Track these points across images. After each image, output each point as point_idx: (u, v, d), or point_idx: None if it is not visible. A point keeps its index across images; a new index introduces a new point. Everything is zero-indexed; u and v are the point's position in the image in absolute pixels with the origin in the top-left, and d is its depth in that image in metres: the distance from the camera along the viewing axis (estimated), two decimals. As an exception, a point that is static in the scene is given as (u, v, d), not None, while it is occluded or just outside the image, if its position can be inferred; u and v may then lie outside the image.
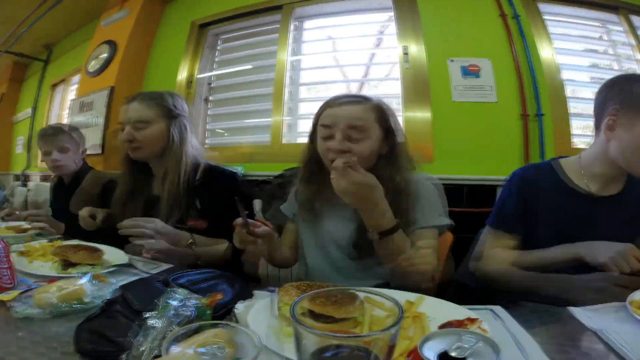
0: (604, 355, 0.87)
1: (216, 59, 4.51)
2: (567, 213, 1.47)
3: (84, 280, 1.13)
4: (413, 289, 1.17)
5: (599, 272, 1.19)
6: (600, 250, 1.22)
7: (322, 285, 1.13)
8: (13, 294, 1.13)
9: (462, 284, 1.78)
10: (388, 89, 3.54)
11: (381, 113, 1.50)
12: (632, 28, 3.29)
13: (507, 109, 2.98)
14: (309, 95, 4.05)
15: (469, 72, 3.05)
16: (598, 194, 1.45)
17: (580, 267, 1.27)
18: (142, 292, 0.99)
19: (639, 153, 1.33)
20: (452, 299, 1.08)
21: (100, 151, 4.46)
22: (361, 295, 0.72)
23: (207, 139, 4.42)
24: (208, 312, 0.90)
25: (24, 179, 6.54)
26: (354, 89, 3.73)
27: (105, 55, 4.81)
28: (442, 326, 0.91)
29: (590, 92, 3.22)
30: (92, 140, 4.51)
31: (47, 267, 1.47)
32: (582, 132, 3.10)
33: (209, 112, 4.44)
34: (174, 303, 0.88)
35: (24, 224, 2.17)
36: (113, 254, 1.64)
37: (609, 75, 1.53)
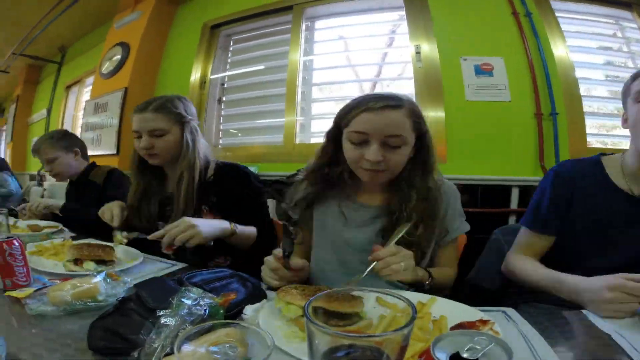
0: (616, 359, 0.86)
1: (229, 60, 4.53)
2: (608, 210, 1.44)
3: (98, 279, 1.14)
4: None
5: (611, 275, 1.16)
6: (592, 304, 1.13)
7: (323, 287, 1.14)
8: (28, 291, 1.15)
9: (474, 285, 1.77)
10: (401, 88, 3.52)
11: (416, 117, 1.40)
12: (646, 24, 3.24)
13: (521, 108, 2.95)
14: (321, 95, 4.04)
15: (482, 70, 3.03)
16: (638, 194, 1.42)
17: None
18: (156, 291, 0.99)
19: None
20: (465, 300, 1.07)
21: (115, 151, 4.51)
22: (374, 296, 0.72)
23: (220, 139, 4.44)
24: (221, 311, 0.91)
25: (40, 179, 6.63)
26: (366, 89, 3.72)
27: (118, 57, 4.86)
28: (454, 327, 0.91)
29: (605, 90, 3.19)
30: (107, 140, 4.58)
31: (61, 265, 1.49)
32: (598, 131, 3.07)
33: (222, 113, 4.46)
34: (188, 302, 0.88)
35: (41, 223, 2.23)
36: (128, 253, 1.66)
37: (623, 73, 1.52)
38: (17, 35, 6.04)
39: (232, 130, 4.43)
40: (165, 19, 4.88)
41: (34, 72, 7.90)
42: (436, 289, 1.32)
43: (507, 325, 0.99)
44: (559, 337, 0.95)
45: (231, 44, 4.54)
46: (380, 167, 1.37)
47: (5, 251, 1.19)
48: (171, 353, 0.75)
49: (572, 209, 1.49)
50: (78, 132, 5.39)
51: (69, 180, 2.87)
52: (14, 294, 1.14)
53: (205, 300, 0.90)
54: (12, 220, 2.23)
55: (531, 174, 2.85)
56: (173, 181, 1.92)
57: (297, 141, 3.77)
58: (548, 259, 1.51)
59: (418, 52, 3.23)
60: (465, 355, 0.59)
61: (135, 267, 1.51)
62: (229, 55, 4.54)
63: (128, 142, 4.36)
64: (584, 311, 1.09)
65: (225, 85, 4.46)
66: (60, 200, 2.52)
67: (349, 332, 0.64)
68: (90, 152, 3.01)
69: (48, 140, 2.70)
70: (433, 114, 3.05)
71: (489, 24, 3.16)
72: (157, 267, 1.56)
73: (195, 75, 4.41)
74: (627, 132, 1.43)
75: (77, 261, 1.47)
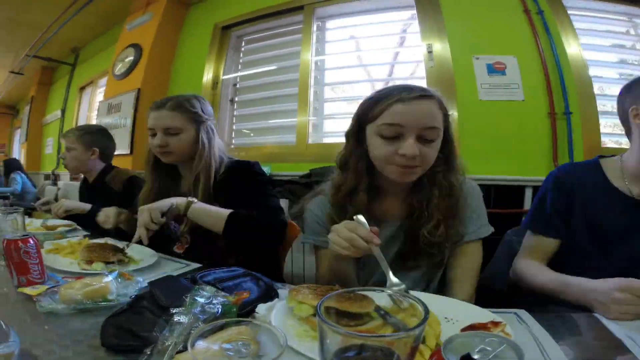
0: (630, 365, 0.85)
1: (240, 60, 4.55)
2: (608, 213, 1.42)
3: (110, 278, 1.15)
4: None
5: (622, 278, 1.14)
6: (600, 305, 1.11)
7: (334, 287, 1.11)
8: (40, 288, 1.16)
9: (486, 287, 1.75)
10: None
11: (445, 110, 1.32)
12: (660, 22, 3.20)
13: (535, 108, 2.93)
14: (334, 95, 4.05)
15: (495, 69, 3.01)
16: (638, 197, 1.40)
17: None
18: (169, 289, 1.00)
19: None
20: (476, 302, 1.07)
21: (128, 151, 4.56)
22: (387, 296, 0.72)
23: (233, 139, 4.46)
24: (234, 309, 0.91)
25: (54, 178, 6.71)
26: (378, 88, 3.69)
27: (131, 58, 4.91)
28: (465, 329, 0.90)
29: (619, 89, 3.15)
30: (120, 140, 4.60)
31: (77, 264, 1.50)
32: (612, 130, 3.03)
33: (234, 113, 4.48)
34: (201, 300, 0.89)
35: (57, 222, 2.27)
36: (143, 253, 1.67)
37: (637, 72, 1.49)
38: (31, 38, 6.13)
39: (244, 131, 4.45)
40: (176, 21, 4.93)
41: (48, 73, 8.01)
42: None
43: (519, 327, 0.98)
44: (570, 339, 0.94)
45: (242, 44, 4.57)
46: (415, 162, 1.27)
47: (21, 249, 1.21)
48: (183, 350, 0.75)
49: (573, 213, 1.47)
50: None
51: (82, 178, 2.89)
52: (26, 290, 1.16)
53: (218, 298, 0.91)
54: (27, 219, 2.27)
55: (545, 174, 2.78)
56: (188, 181, 1.91)
57: (310, 141, 3.78)
58: (552, 264, 1.49)
59: (430, 51, 3.22)
60: (476, 357, 0.58)
61: (149, 266, 1.51)
62: (241, 55, 4.57)
63: (141, 142, 4.41)
64: (595, 314, 1.08)
65: (238, 86, 4.49)
66: (86, 205, 2.50)
67: (360, 332, 0.64)
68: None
69: (75, 131, 2.73)
70: (446, 114, 3.03)
71: (501, 22, 3.14)
72: (171, 267, 1.56)
73: (207, 76, 4.45)
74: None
75: (90, 260, 1.48)
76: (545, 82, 2.92)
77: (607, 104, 3.01)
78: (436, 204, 1.35)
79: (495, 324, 0.91)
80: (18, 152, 9.48)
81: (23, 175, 6.10)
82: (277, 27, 4.28)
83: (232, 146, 4.41)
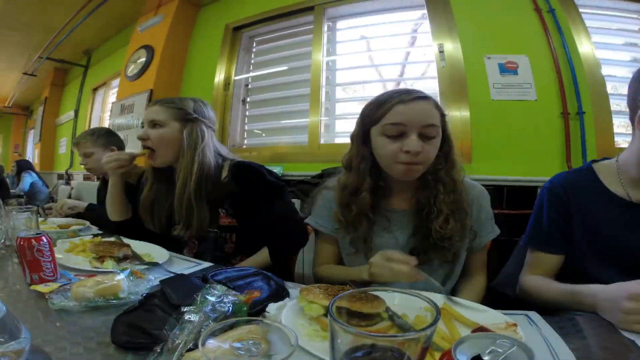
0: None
1: (252, 61, 4.57)
2: (607, 219, 1.37)
3: (121, 276, 1.16)
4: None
5: (632, 282, 1.11)
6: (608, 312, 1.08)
7: (345, 287, 1.13)
8: (52, 286, 1.17)
9: (499, 292, 1.73)
10: (425, 87, 3.49)
11: (441, 110, 1.41)
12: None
13: (547, 107, 2.90)
14: (345, 95, 4.05)
15: (507, 69, 2.99)
16: (637, 200, 1.35)
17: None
18: (180, 288, 1.01)
19: None
20: (490, 305, 1.06)
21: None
22: (399, 296, 0.71)
23: (245, 139, 4.49)
24: (244, 308, 0.91)
25: (67, 178, 6.78)
26: (390, 89, 3.69)
27: (143, 59, 4.95)
28: (476, 330, 0.90)
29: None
30: (134, 140, 4.63)
31: (88, 262, 1.51)
32: (626, 130, 2.99)
33: (246, 114, 4.50)
34: (212, 299, 0.89)
35: (70, 221, 2.30)
36: (154, 251, 1.68)
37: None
38: (44, 40, 6.21)
39: (256, 131, 4.48)
40: (187, 22, 4.96)
41: (61, 75, 8.10)
42: None
43: (531, 329, 0.97)
44: (582, 343, 0.93)
45: (254, 45, 4.59)
46: (418, 159, 1.35)
47: (34, 247, 1.22)
48: (193, 349, 0.76)
49: (571, 224, 1.43)
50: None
51: (101, 178, 2.91)
52: (38, 288, 1.17)
53: (229, 297, 0.91)
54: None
55: (558, 175, 2.81)
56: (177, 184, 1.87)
57: (322, 141, 3.79)
58: (560, 277, 1.44)
59: (441, 51, 3.21)
60: (486, 358, 0.58)
61: (161, 265, 1.52)
62: (252, 56, 4.59)
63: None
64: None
65: (249, 86, 4.51)
66: (84, 202, 2.55)
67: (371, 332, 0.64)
68: (117, 152, 3.04)
69: (88, 136, 2.78)
70: (458, 114, 3.03)
71: (512, 20, 3.11)
72: (183, 266, 1.56)
73: (219, 77, 4.47)
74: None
75: (101, 258, 1.49)
76: (557, 82, 2.90)
77: (620, 104, 2.97)
78: (442, 199, 1.41)
79: (507, 325, 0.91)
80: (32, 152, 9.58)
81: (34, 174, 6.18)
82: (287, 27, 4.29)
83: (245, 146, 4.44)
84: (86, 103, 7.02)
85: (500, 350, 0.59)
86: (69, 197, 5.54)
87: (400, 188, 1.50)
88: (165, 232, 1.94)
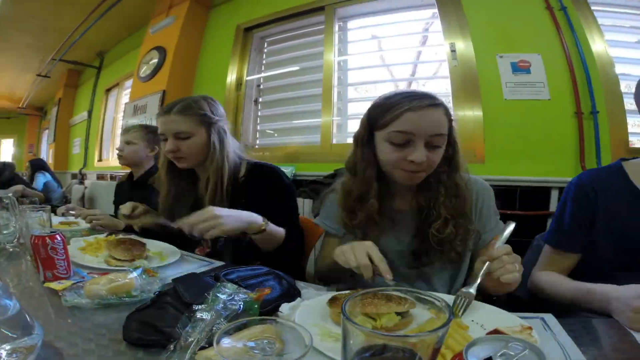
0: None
1: (263, 62, 4.59)
2: (635, 220, 1.33)
3: (134, 275, 1.17)
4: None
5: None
6: (617, 311, 1.08)
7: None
8: (66, 283, 1.19)
9: (511, 294, 1.72)
10: (436, 87, 3.50)
11: (449, 115, 1.36)
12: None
13: (561, 107, 2.87)
14: (357, 95, 4.05)
15: (519, 68, 2.97)
16: None
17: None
18: (193, 286, 1.01)
19: None
20: (504, 306, 1.05)
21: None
22: (412, 297, 0.71)
23: (257, 139, 4.51)
24: (255, 306, 0.91)
25: (81, 177, 6.84)
26: (402, 88, 3.68)
27: (155, 60, 5.00)
28: (490, 333, 0.89)
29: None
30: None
31: (102, 260, 1.53)
32: (640, 129, 2.97)
33: (259, 114, 4.52)
34: (223, 297, 0.89)
35: (82, 222, 2.31)
36: (166, 250, 1.70)
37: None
38: (57, 42, 6.28)
39: (268, 131, 4.49)
40: (199, 23, 5.00)
41: (74, 76, 8.20)
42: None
43: (545, 332, 0.96)
44: (595, 347, 0.91)
45: (265, 45, 4.61)
46: (422, 167, 1.32)
47: (48, 245, 1.23)
48: (206, 347, 0.76)
49: (595, 223, 1.39)
50: (118, 133, 5.53)
51: (126, 175, 2.95)
52: (52, 285, 1.18)
53: (240, 295, 0.91)
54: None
55: (571, 175, 2.73)
56: (203, 183, 1.89)
57: (334, 141, 3.80)
58: (573, 275, 1.43)
59: (453, 50, 3.19)
60: (497, 361, 0.58)
61: (173, 264, 1.54)
62: (264, 56, 4.61)
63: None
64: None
65: (261, 87, 4.53)
66: (120, 223, 2.40)
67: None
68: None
69: (138, 128, 2.85)
70: (470, 113, 3.02)
71: (523, 19, 3.08)
72: (195, 265, 1.57)
73: (231, 77, 4.49)
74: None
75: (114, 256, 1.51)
76: (571, 81, 2.86)
77: (634, 103, 2.94)
78: (443, 202, 1.39)
79: (522, 328, 0.90)
80: (46, 152, 9.67)
81: (47, 174, 6.24)
82: (298, 28, 4.30)
83: (257, 146, 4.45)
84: (99, 104, 7.09)
85: (512, 353, 0.58)
86: (83, 196, 5.58)
87: (402, 189, 1.49)
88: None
